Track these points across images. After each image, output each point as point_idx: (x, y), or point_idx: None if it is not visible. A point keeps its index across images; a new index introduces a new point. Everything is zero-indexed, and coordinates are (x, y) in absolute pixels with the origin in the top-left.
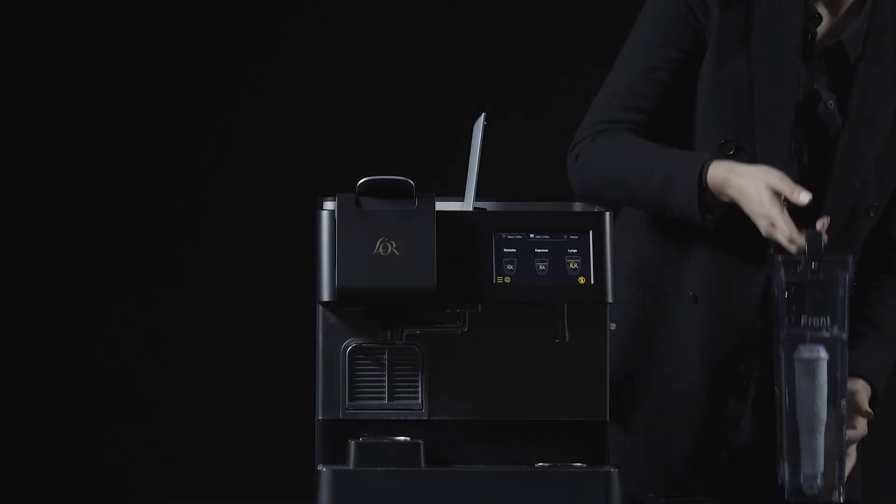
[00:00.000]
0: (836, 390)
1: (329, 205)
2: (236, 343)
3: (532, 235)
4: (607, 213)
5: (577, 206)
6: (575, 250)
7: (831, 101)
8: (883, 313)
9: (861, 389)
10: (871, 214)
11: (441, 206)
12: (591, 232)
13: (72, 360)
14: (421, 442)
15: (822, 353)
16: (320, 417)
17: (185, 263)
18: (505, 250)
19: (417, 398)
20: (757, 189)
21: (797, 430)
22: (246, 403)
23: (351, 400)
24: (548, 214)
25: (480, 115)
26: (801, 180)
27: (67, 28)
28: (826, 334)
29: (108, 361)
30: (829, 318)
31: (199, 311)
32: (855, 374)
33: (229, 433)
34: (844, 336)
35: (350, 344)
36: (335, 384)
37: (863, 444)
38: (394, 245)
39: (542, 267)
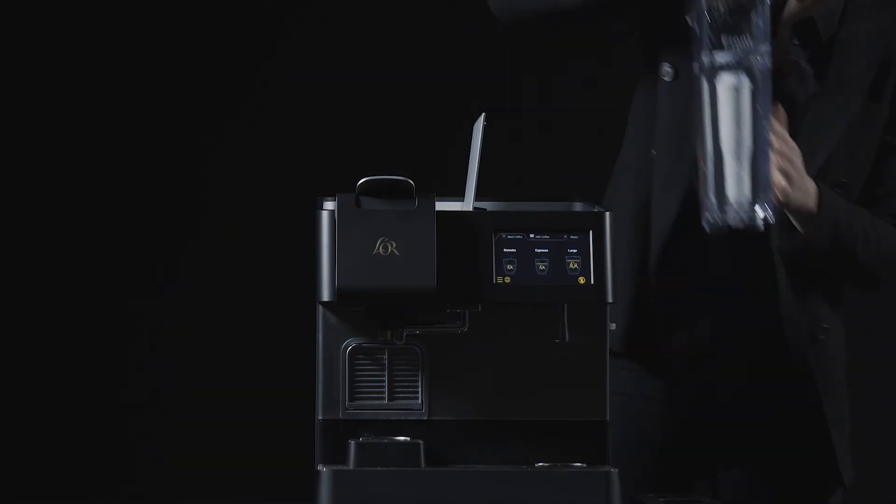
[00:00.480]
0: (760, 116)
1: (329, 205)
2: (236, 343)
3: (532, 235)
4: (607, 213)
5: (577, 206)
6: (575, 250)
7: (809, 71)
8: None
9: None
10: (837, 189)
11: (441, 206)
12: (591, 232)
13: (71, 360)
14: (421, 442)
15: (745, 80)
16: (320, 417)
17: (185, 263)
18: (505, 250)
19: (417, 398)
20: None
21: (722, 158)
22: (246, 403)
23: (351, 400)
24: (548, 214)
25: (480, 115)
26: None
27: (72, 34)
28: (750, 60)
29: (108, 361)
30: (750, 39)
31: (199, 310)
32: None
33: (229, 433)
34: (768, 61)
35: (350, 344)
36: (335, 384)
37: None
38: (394, 245)
39: (542, 267)
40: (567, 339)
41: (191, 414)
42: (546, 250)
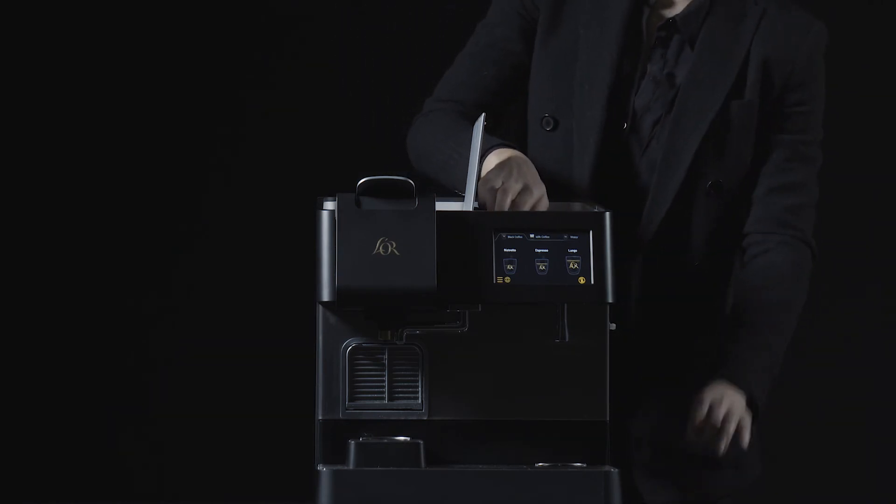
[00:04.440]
0: None
1: (329, 205)
2: (237, 343)
3: (532, 235)
4: (607, 213)
5: (577, 206)
6: (575, 250)
7: (659, 75)
8: (759, 298)
9: (717, 396)
10: (714, 193)
11: (441, 206)
12: (591, 232)
13: (70, 360)
14: (421, 442)
15: None
16: (320, 417)
17: (185, 263)
18: (505, 250)
19: (417, 398)
20: (500, 165)
21: None
22: (246, 403)
23: (351, 400)
24: (548, 214)
25: (480, 115)
26: (617, 152)
27: (77, 40)
28: None
29: (108, 361)
30: None
31: (199, 310)
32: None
33: (229, 433)
34: None
35: (350, 344)
36: (335, 384)
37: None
38: (394, 245)
39: (542, 267)
40: (567, 339)
41: (191, 413)
42: (546, 250)
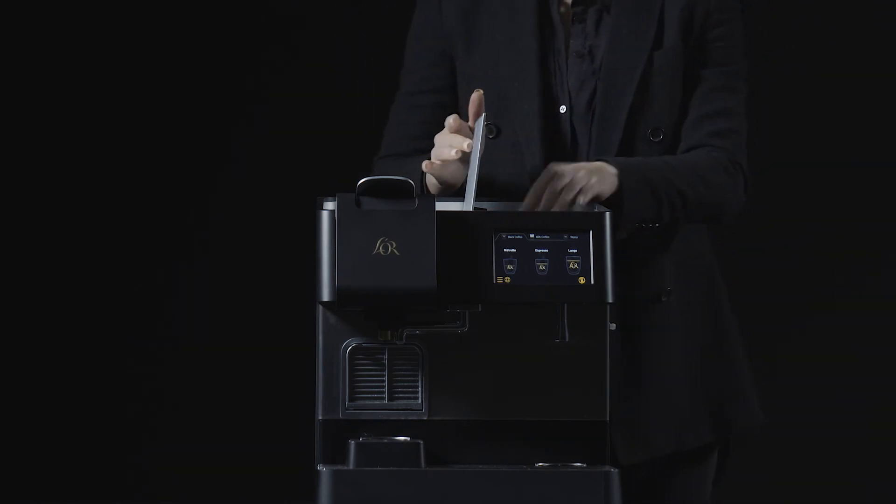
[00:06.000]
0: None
1: (329, 205)
2: (236, 343)
3: (532, 235)
4: (607, 213)
5: (578, 207)
6: (575, 250)
7: (582, 50)
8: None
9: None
10: (655, 139)
11: (441, 206)
12: (591, 232)
13: (70, 360)
14: (421, 442)
15: None
16: (320, 417)
17: (185, 263)
18: (505, 250)
19: (417, 398)
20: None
21: None
22: (246, 403)
23: (351, 400)
24: (548, 214)
25: (481, 115)
26: (562, 136)
27: (80, 40)
28: None
29: (107, 361)
30: None
31: (199, 310)
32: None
33: (229, 433)
34: None
35: (350, 344)
36: (335, 384)
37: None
38: (394, 245)
39: (542, 267)
40: (567, 339)
41: (191, 414)
42: (546, 250)
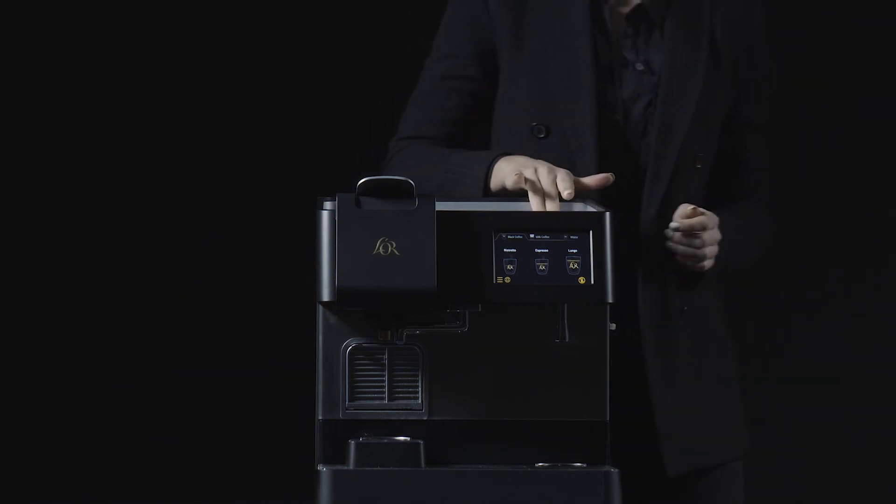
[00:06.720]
0: None
1: (329, 205)
2: (236, 343)
3: (532, 235)
4: (607, 213)
5: (577, 206)
6: (575, 250)
7: (640, 64)
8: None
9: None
10: (698, 166)
11: (441, 206)
12: (591, 232)
13: (70, 360)
14: (421, 442)
15: None
16: (320, 417)
17: (185, 263)
18: (505, 250)
19: (417, 398)
20: (518, 161)
21: None
22: (246, 403)
23: (351, 400)
24: (548, 214)
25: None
26: (616, 145)
27: (83, 42)
28: None
29: (107, 362)
30: None
31: (199, 310)
32: None
33: (229, 433)
34: None
35: (350, 344)
36: (335, 384)
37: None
38: (394, 245)
39: (542, 267)
40: (567, 339)
41: (190, 414)
42: (546, 250)
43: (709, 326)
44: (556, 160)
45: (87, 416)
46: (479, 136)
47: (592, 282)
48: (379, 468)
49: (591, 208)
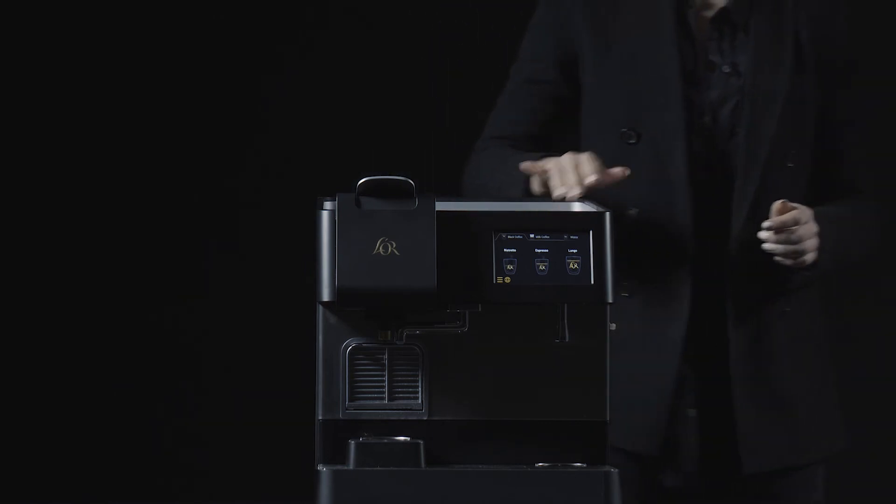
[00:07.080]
0: None
1: (329, 205)
2: (236, 343)
3: (532, 235)
4: (607, 213)
5: (577, 206)
6: (575, 250)
7: (726, 66)
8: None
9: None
10: (790, 165)
11: (441, 206)
12: (591, 232)
13: (70, 360)
14: (421, 442)
15: None
16: (320, 417)
17: (185, 264)
18: (505, 250)
19: (417, 398)
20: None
21: None
22: (246, 403)
23: (351, 400)
24: (548, 214)
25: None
26: (705, 148)
27: (83, 43)
28: None
29: (107, 362)
30: None
31: (199, 310)
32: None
33: (229, 433)
34: None
35: (350, 344)
36: (335, 384)
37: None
38: (394, 245)
39: (542, 267)
40: (567, 339)
41: (190, 414)
42: (546, 250)
43: (808, 328)
44: (646, 165)
45: (88, 416)
46: (566, 142)
47: (592, 282)
48: (379, 468)
49: (591, 208)
